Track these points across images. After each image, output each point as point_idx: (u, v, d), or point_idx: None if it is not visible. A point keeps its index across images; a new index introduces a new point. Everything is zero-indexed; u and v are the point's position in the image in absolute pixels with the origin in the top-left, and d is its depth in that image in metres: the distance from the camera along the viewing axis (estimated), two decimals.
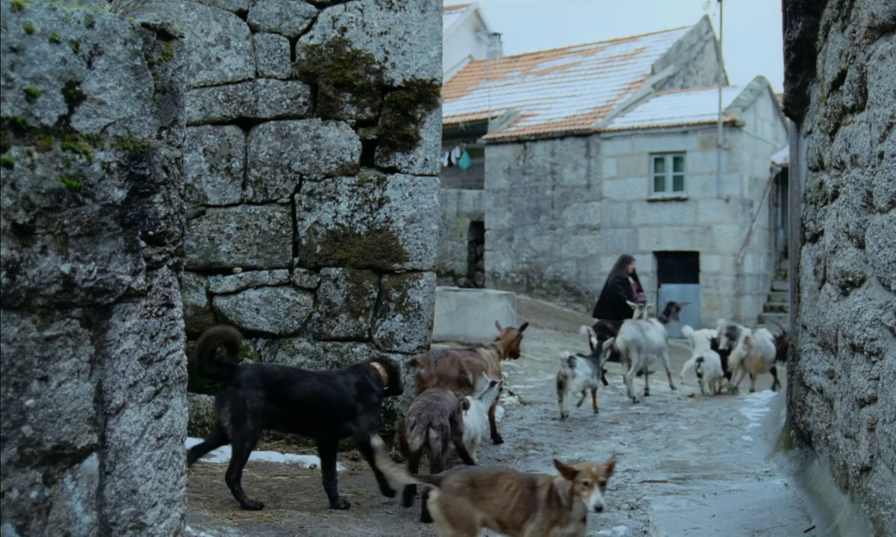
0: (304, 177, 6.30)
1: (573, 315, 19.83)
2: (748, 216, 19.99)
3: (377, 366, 5.08)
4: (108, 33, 2.50)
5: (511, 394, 8.93)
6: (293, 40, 6.34)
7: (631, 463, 5.93)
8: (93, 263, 2.42)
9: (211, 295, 6.39)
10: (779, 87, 15.56)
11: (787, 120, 6.41)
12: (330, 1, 6.31)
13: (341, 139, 6.26)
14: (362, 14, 6.25)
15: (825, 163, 4.54)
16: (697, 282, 19.98)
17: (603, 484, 3.36)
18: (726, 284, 19.47)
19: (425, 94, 6.24)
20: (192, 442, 5.38)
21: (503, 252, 22.23)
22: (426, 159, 6.25)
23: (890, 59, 3.15)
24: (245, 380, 4.53)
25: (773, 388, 9.91)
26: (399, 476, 3.75)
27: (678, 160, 20.14)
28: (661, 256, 20.44)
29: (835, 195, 4.22)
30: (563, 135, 21.29)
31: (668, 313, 10.57)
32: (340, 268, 6.23)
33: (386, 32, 6.24)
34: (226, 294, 6.36)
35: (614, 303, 11.19)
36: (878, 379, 3.31)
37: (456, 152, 23.82)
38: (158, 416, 2.66)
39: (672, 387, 9.91)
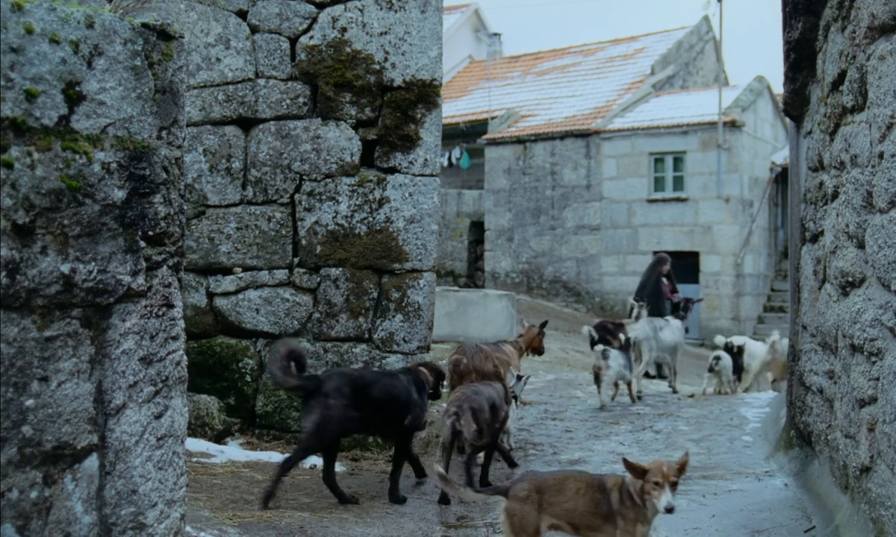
0: (304, 177, 6.30)
1: (573, 315, 19.83)
2: (748, 216, 19.99)
3: (424, 369, 5.36)
4: (108, 33, 2.50)
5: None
6: (293, 40, 6.34)
7: None
8: (93, 263, 2.42)
9: (211, 295, 6.40)
10: (779, 87, 15.56)
11: (787, 120, 6.41)
12: (330, 1, 6.31)
13: (341, 139, 6.26)
14: (362, 14, 6.25)
15: (825, 163, 4.54)
16: (697, 282, 19.97)
17: (674, 485, 3.26)
18: (726, 284, 19.47)
19: (425, 94, 6.24)
20: (193, 442, 5.39)
21: (503, 252, 22.24)
22: (426, 159, 6.25)
23: (890, 59, 3.15)
24: (333, 389, 4.75)
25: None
26: (466, 494, 3.68)
27: (678, 160, 20.14)
28: None
29: (835, 195, 4.22)
30: (563, 136, 21.29)
31: (687, 309, 10.62)
32: (340, 269, 6.23)
33: (386, 32, 6.24)
34: (226, 294, 6.36)
35: (683, 310, 11.22)
36: (878, 379, 3.31)
37: (456, 152, 23.82)
38: (158, 416, 2.66)
39: (674, 390, 9.86)
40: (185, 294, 6.24)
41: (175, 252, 2.73)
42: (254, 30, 6.37)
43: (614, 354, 8.30)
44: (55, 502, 2.32)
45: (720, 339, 11.07)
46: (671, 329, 9.78)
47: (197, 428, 5.87)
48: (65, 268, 2.34)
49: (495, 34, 30.08)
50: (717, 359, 9.84)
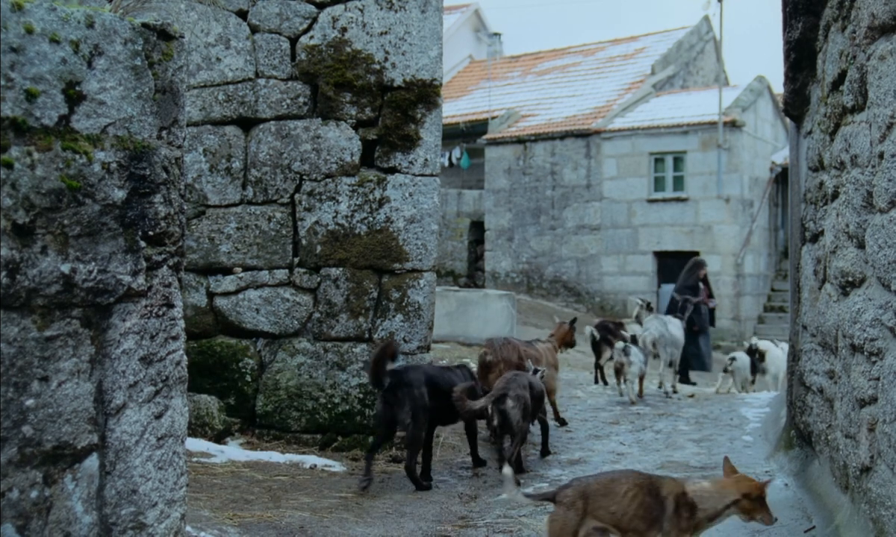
0: (304, 177, 6.30)
1: (573, 315, 19.83)
2: (748, 216, 19.99)
3: (471, 364, 6.06)
4: (108, 33, 2.50)
5: None
6: (293, 40, 6.34)
7: (631, 464, 5.92)
8: (93, 263, 2.42)
9: (211, 295, 6.40)
10: (779, 87, 15.55)
11: (787, 120, 6.41)
12: (330, 1, 6.31)
13: (341, 139, 6.26)
14: (362, 14, 6.25)
15: (825, 163, 4.54)
16: None
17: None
18: (726, 284, 19.46)
19: (425, 94, 6.24)
20: (193, 442, 5.39)
21: (503, 252, 22.23)
22: (426, 159, 6.26)
23: (890, 59, 3.14)
24: (415, 381, 5.23)
25: None
26: (517, 497, 3.66)
27: (678, 160, 20.14)
28: (661, 256, 20.44)
29: (835, 195, 4.22)
30: (563, 136, 21.29)
31: (684, 310, 10.63)
32: (340, 269, 6.23)
33: (386, 32, 6.24)
34: (226, 294, 6.36)
35: (681, 311, 11.20)
36: (878, 379, 3.31)
37: (456, 152, 23.83)
38: (159, 416, 2.66)
39: (674, 390, 9.85)
40: (186, 294, 6.24)
41: (175, 252, 2.73)
42: (254, 30, 6.37)
43: (634, 350, 8.51)
44: (55, 502, 2.32)
45: (747, 342, 11.17)
46: (675, 326, 9.82)
47: (197, 428, 5.88)
48: (65, 268, 2.34)
49: (495, 34, 30.08)
50: (732, 359, 10.00)
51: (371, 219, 6.22)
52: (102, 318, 2.46)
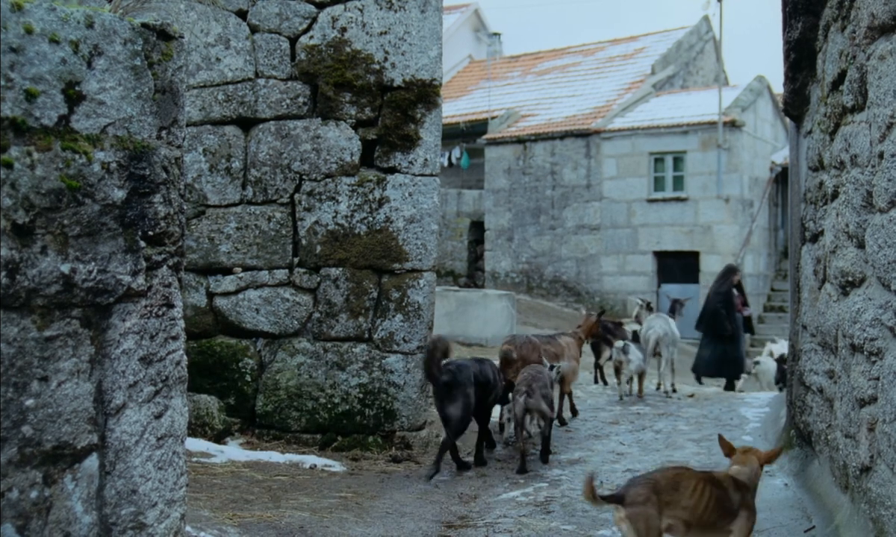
0: (304, 177, 6.30)
1: (573, 315, 19.82)
2: (748, 216, 19.99)
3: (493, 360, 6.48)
4: (107, 33, 2.50)
5: None
6: (293, 40, 6.34)
7: (631, 463, 5.93)
8: (93, 263, 2.42)
9: (211, 295, 6.40)
10: (779, 87, 15.55)
11: (787, 120, 6.41)
12: (330, 1, 6.31)
13: (341, 139, 6.26)
14: (362, 14, 6.25)
15: (825, 163, 4.54)
16: (697, 282, 19.96)
17: None
18: None
19: (425, 94, 6.24)
20: (193, 442, 5.39)
21: (503, 252, 22.24)
22: (426, 159, 6.25)
23: (890, 59, 3.14)
24: (466, 381, 5.59)
25: None
26: (591, 498, 3.67)
27: (678, 160, 20.14)
28: (661, 256, 20.44)
29: (835, 195, 4.22)
30: (563, 136, 21.29)
31: (674, 311, 10.60)
32: (340, 268, 6.23)
33: (386, 32, 6.24)
34: (226, 294, 6.36)
35: (712, 316, 11.15)
36: (878, 379, 3.31)
37: (456, 152, 23.82)
38: (158, 416, 2.66)
39: (674, 389, 9.83)
40: (185, 294, 6.24)
41: (175, 252, 2.73)
42: (254, 30, 6.37)
43: (633, 348, 8.60)
44: (55, 502, 2.32)
45: (769, 347, 11.20)
46: (675, 326, 9.83)
47: (197, 428, 5.88)
48: (65, 268, 2.34)
49: (495, 34, 30.09)
50: (756, 363, 10.12)
51: (371, 219, 6.22)
52: (102, 318, 2.46)
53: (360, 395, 6.16)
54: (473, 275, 22.90)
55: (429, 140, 6.25)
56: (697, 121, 19.77)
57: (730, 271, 12.01)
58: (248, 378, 6.31)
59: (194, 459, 5.30)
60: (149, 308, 2.61)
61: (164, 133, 2.67)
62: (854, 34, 3.70)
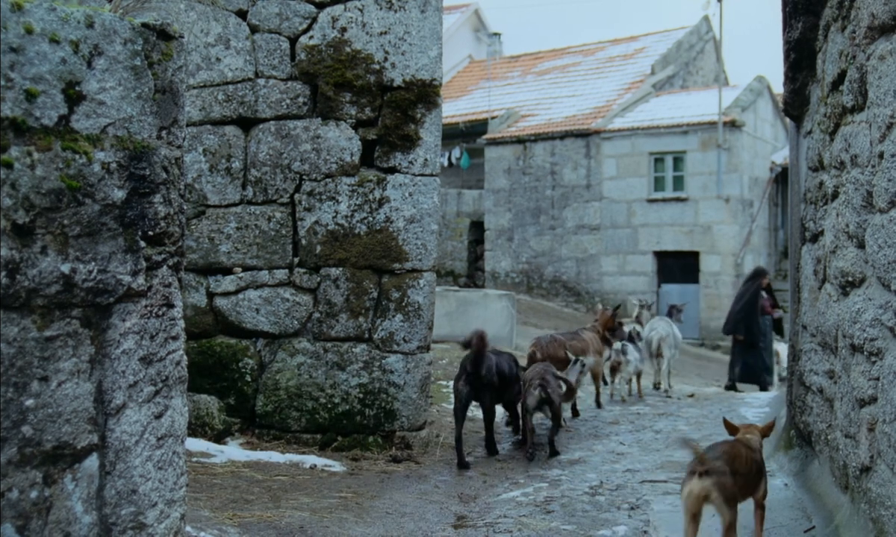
0: (304, 177, 6.30)
1: (573, 315, 19.83)
2: (748, 216, 19.99)
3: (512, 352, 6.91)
4: (107, 33, 2.50)
5: None
6: (293, 40, 6.33)
7: (631, 463, 5.93)
8: (93, 263, 2.42)
9: (211, 295, 6.39)
10: (779, 87, 15.55)
11: (787, 120, 6.41)
12: (330, 1, 6.31)
13: (341, 139, 6.26)
14: (362, 14, 6.25)
15: (825, 163, 4.54)
16: (697, 282, 19.98)
17: None
18: (726, 284, 19.47)
19: (425, 94, 6.24)
20: (193, 442, 5.39)
21: (503, 252, 22.24)
22: (426, 159, 6.25)
23: (890, 59, 3.15)
24: (487, 370, 5.97)
25: None
26: (682, 449, 3.90)
27: (678, 160, 20.14)
28: (661, 256, 20.45)
29: (835, 195, 4.22)
30: (563, 135, 21.30)
31: (671, 315, 10.60)
32: (340, 268, 6.23)
33: (386, 32, 6.24)
34: (226, 294, 6.36)
35: (742, 320, 11.10)
36: (878, 379, 3.31)
37: (456, 152, 23.83)
38: (158, 416, 2.66)
39: (668, 388, 9.83)
40: (185, 294, 6.24)
41: (175, 252, 2.73)
42: (254, 30, 6.37)
43: (631, 349, 8.71)
44: (55, 502, 2.32)
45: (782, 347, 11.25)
46: (677, 328, 9.86)
47: (197, 428, 5.88)
48: (65, 268, 2.34)
49: (495, 34, 30.10)
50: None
51: (371, 219, 6.22)
52: (102, 318, 2.46)
53: (361, 395, 6.16)
54: (473, 275, 22.91)
55: (429, 140, 6.25)
56: (697, 121, 19.78)
57: (758, 274, 11.92)
58: (248, 378, 6.31)
59: (194, 459, 5.30)
60: (149, 308, 2.61)
61: (164, 133, 2.67)
62: (854, 34, 3.70)
